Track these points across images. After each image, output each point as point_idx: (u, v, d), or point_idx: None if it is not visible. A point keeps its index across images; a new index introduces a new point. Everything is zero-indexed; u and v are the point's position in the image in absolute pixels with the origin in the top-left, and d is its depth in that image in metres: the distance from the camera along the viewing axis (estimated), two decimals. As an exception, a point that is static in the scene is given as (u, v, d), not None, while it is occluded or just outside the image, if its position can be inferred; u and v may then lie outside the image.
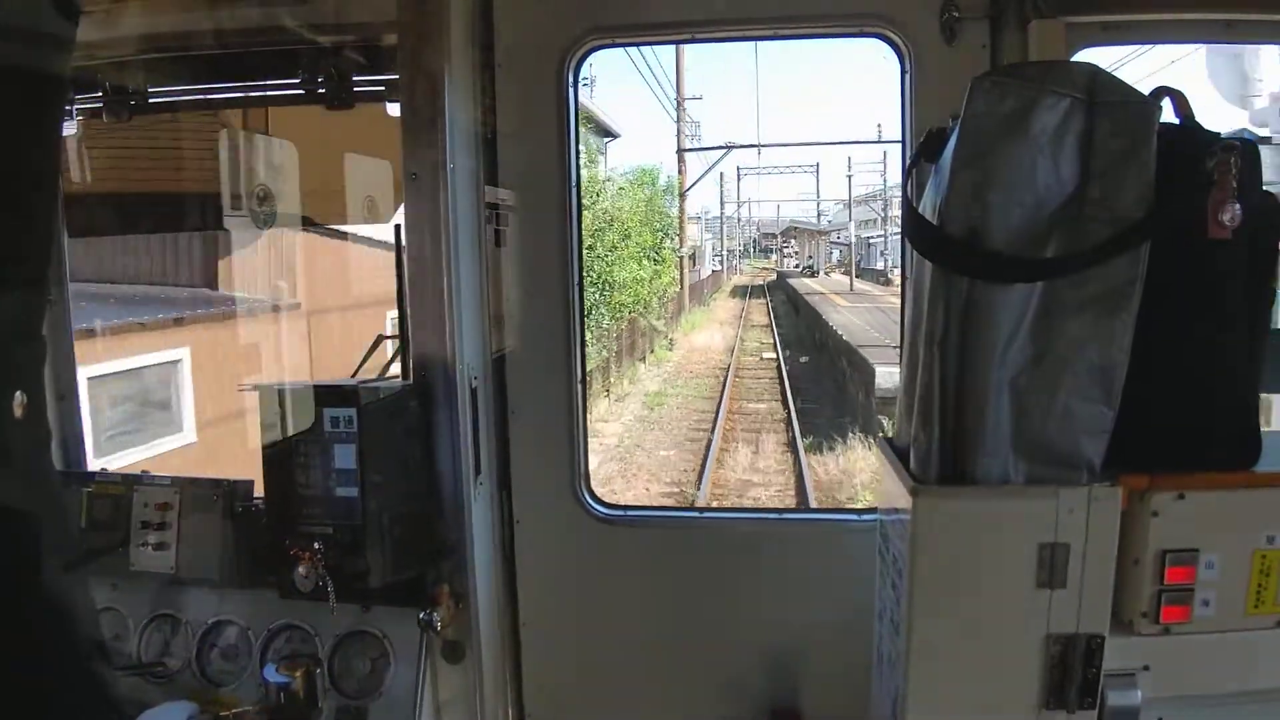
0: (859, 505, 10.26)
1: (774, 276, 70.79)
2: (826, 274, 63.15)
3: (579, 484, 3.10)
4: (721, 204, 66.07)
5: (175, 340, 9.83)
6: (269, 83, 3.25)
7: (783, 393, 21.03)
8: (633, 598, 3.13)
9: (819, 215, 70.10)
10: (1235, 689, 1.97)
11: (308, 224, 5.96)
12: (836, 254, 68.67)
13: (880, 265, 54.44)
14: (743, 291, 57.83)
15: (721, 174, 64.72)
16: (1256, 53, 3.85)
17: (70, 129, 3.33)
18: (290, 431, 2.49)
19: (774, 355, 27.86)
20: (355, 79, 3.01)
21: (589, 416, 3.25)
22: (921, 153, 2.18)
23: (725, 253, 73.91)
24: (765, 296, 52.40)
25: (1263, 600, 1.93)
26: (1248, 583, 1.92)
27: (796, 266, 76.80)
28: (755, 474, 14.56)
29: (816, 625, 2.96)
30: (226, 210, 3.74)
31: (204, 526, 2.74)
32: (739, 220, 79.95)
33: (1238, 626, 1.94)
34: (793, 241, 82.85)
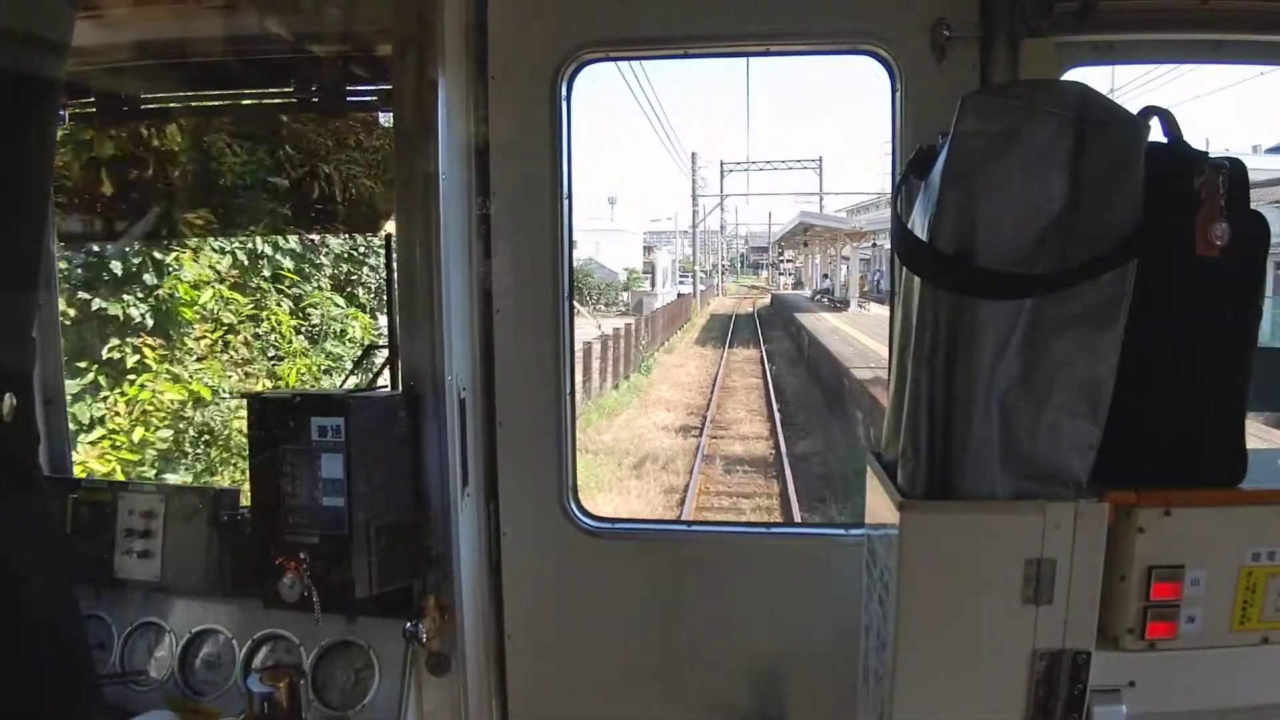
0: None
1: (767, 300, 54.14)
2: (861, 306, 38.02)
3: (566, 496, 3.09)
4: (694, 196, 54.62)
5: None
6: (263, 91, 3.25)
7: None
8: (619, 611, 3.12)
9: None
10: (1221, 705, 1.97)
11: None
12: (844, 270, 46.20)
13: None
14: (721, 332, 37.02)
15: (694, 153, 55.55)
16: None
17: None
18: (278, 440, 2.48)
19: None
20: (349, 88, 3.02)
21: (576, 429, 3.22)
22: (911, 170, 2.19)
23: (696, 269, 59.70)
24: (758, 344, 32.00)
25: (1248, 617, 1.93)
26: (1233, 599, 1.92)
27: (795, 286, 62.30)
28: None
29: (803, 640, 2.94)
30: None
31: (189, 535, 2.73)
32: (723, 229, 70.50)
33: (1223, 643, 1.94)
34: (788, 253, 70.13)
